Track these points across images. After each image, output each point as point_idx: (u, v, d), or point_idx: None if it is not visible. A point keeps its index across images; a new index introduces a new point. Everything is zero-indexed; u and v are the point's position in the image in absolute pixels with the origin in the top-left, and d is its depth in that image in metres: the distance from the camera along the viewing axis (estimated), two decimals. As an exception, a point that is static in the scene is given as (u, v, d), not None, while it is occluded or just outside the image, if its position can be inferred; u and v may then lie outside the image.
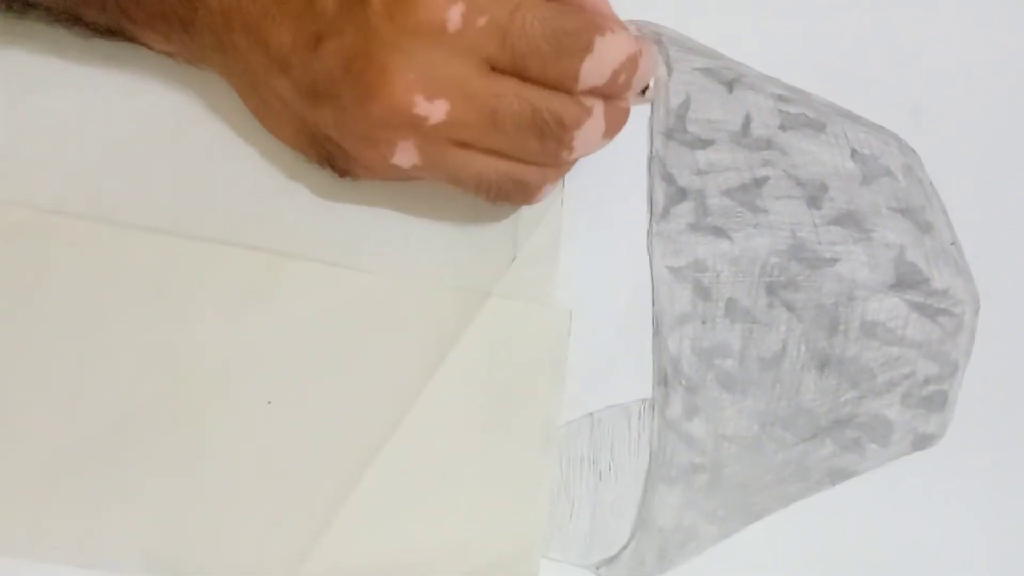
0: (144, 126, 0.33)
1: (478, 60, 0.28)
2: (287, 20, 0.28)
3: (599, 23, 0.30)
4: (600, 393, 0.34)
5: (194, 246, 0.32)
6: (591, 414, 0.34)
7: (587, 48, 0.29)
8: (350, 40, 0.28)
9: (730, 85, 0.38)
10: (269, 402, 0.32)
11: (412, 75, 0.28)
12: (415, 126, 0.29)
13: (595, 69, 0.30)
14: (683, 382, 0.35)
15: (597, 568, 0.32)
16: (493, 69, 0.29)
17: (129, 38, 0.31)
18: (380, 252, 0.34)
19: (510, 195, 0.32)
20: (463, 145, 0.30)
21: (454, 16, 0.27)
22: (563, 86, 0.30)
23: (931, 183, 0.38)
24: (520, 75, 0.29)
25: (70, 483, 0.30)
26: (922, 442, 0.36)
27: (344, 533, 0.31)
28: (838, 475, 0.35)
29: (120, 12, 0.30)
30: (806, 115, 0.38)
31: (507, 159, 0.31)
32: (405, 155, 0.30)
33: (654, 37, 0.38)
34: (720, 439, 0.34)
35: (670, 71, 0.38)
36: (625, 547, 0.33)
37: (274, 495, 0.31)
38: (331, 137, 0.30)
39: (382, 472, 0.32)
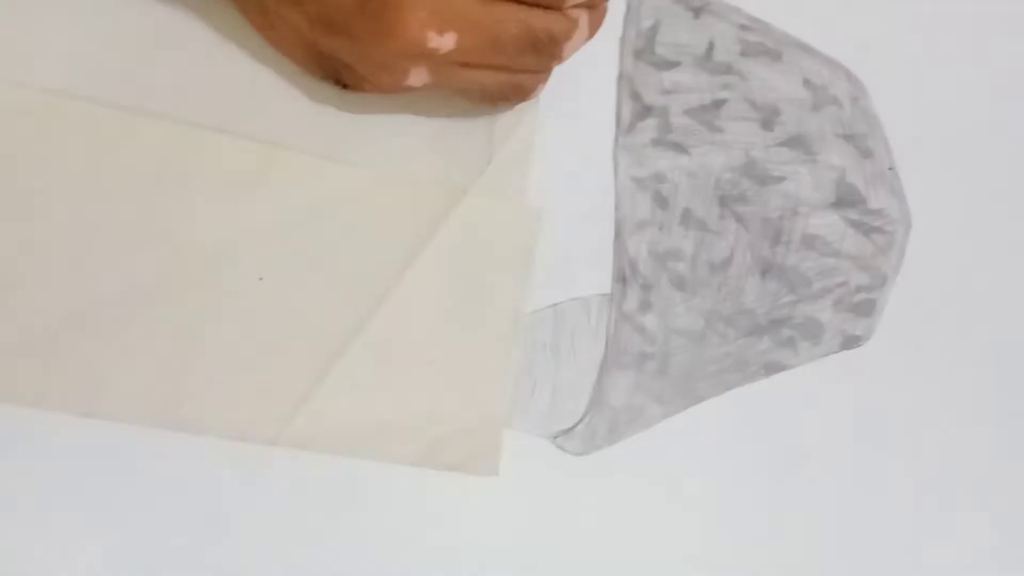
0: (148, 14, 0.36)
1: None
2: None
3: None
4: (564, 287, 0.38)
5: (192, 132, 0.35)
6: (555, 305, 0.37)
7: None
8: None
9: (697, 12, 0.41)
10: (261, 278, 0.35)
11: (424, 13, 0.31)
12: (428, 55, 0.32)
13: None
14: (639, 280, 0.38)
15: (555, 438, 0.36)
16: None
17: None
18: (366, 148, 0.37)
19: (509, 98, 0.36)
20: (469, 65, 0.33)
21: None
22: (554, 5, 0.33)
23: (875, 113, 0.42)
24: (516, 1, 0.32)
25: (75, 341, 0.33)
26: (849, 342, 0.40)
27: (326, 399, 0.35)
28: (772, 368, 0.39)
29: None
30: (765, 44, 0.41)
31: (507, 71, 0.34)
32: (417, 77, 0.33)
33: (629, -37, 0.41)
34: (670, 332, 0.38)
35: (642, -3, 0.41)
36: (580, 421, 0.37)
37: (265, 362, 0.35)
38: (344, 61, 0.33)
39: (362, 347, 0.35)
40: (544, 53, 0.35)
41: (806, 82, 0.41)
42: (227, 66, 0.36)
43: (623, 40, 0.40)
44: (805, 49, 0.42)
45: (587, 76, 0.39)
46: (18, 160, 0.34)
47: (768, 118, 0.41)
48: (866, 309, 0.40)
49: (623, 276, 0.38)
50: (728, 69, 0.41)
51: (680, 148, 0.40)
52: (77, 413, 0.33)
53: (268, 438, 0.34)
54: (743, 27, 0.42)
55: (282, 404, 0.35)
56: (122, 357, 0.34)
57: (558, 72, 0.37)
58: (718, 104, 0.41)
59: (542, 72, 0.36)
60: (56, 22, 0.35)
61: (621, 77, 0.40)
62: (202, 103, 0.36)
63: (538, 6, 0.33)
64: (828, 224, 0.40)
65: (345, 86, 0.35)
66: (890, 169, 0.42)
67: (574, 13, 0.35)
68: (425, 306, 0.36)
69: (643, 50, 0.41)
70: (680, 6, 0.41)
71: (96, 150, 0.34)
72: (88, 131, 0.34)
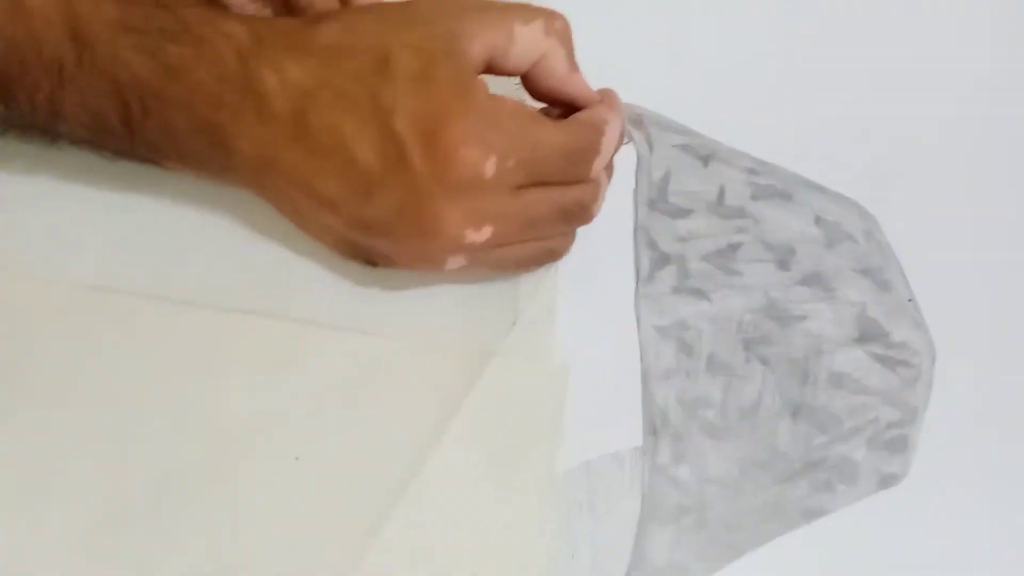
0: (179, 204, 0.37)
1: (511, 187, 0.32)
2: (332, 173, 0.32)
3: (600, 126, 0.35)
4: (595, 442, 0.37)
5: (224, 317, 0.36)
6: (588, 462, 0.37)
7: (596, 151, 0.34)
8: (399, 194, 0.31)
9: (705, 160, 0.42)
10: (296, 458, 0.35)
11: (460, 215, 0.32)
12: (465, 248, 0.33)
13: (602, 160, 0.35)
14: (670, 431, 0.38)
15: (596, 604, 0.36)
16: (521, 187, 0.33)
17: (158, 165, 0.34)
18: (394, 319, 0.37)
19: (541, 263, 0.37)
20: (504, 245, 0.34)
21: (489, 166, 0.31)
22: (580, 180, 0.35)
23: (889, 245, 0.42)
24: (545, 184, 0.33)
25: (116, 538, 0.33)
26: (886, 481, 0.39)
27: (383, 552, 0.34)
28: (812, 514, 0.38)
29: (149, 149, 0.33)
30: (775, 186, 0.42)
31: (539, 240, 0.36)
32: (455, 263, 0.34)
33: (635, 118, 0.42)
34: (704, 482, 0.38)
35: (651, 148, 0.42)
36: (622, 583, 0.36)
37: (303, 543, 0.34)
38: (381, 253, 0.34)
39: (398, 522, 0.35)
40: (575, 220, 0.36)
41: (818, 220, 0.42)
42: (256, 248, 0.37)
43: (636, 192, 0.41)
44: (814, 187, 0.43)
45: (604, 230, 0.40)
46: (56, 354, 0.35)
47: (784, 258, 0.41)
48: (899, 445, 0.40)
49: (653, 427, 0.38)
50: (741, 213, 0.42)
51: (700, 294, 0.40)
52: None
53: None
54: (751, 171, 0.42)
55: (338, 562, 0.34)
56: (163, 546, 0.33)
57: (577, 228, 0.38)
58: (734, 248, 0.41)
59: (572, 234, 0.37)
60: (91, 218, 0.36)
61: (637, 228, 0.41)
62: (232, 287, 0.36)
63: (566, 183, 0.34)
64: (853, 360, 0.40)
65: (375, 264, 0.35)
66: (910, 300, 0.42)
67: (596, 171, 0.36)
68: (458, 474, 0.36)
69: (656, 200, 0.41)
70: (689, 155, 0.42)
71: (132, 341, 0.35)
72: (124, 322, 0.35)
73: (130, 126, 0.32)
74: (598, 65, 0.42)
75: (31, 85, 0.31)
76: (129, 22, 0.31)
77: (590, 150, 0.34)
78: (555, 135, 0.33)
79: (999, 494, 0.40)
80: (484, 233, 0.33)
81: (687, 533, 0.37)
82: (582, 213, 0.36)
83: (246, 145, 0.32)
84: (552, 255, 0.37)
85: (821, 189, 0.43)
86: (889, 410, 0.40)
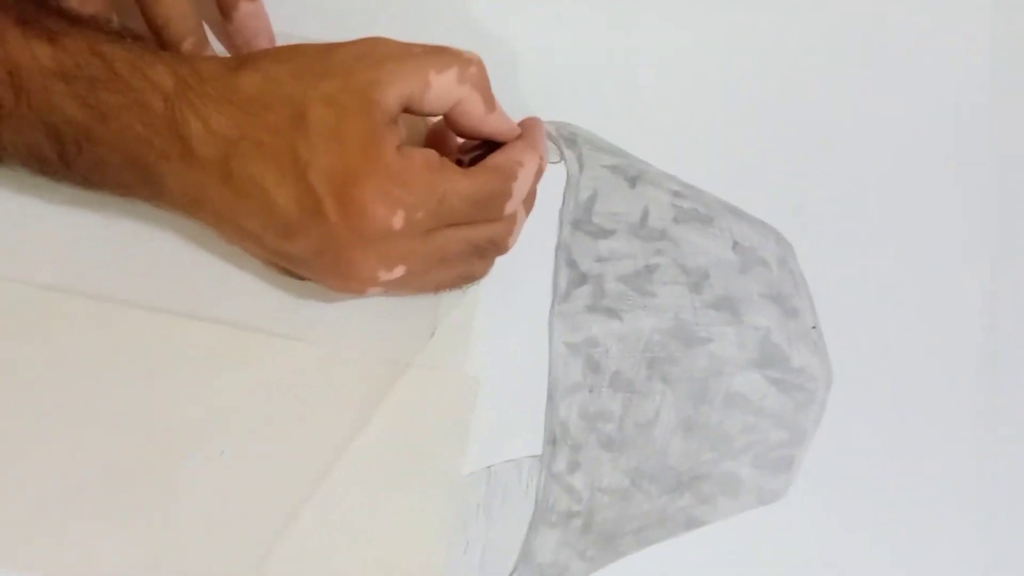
0: (126, 215, 0.40)
1: (421, 233, 0.35)
2: (254, 213, 0.34)
3: (512, 171, 0.36)
4: (498, 449, 0.41)
5: (161, 318, 0.39)
6: (489, 467, 0.41)
7: (507, 195, 0.36)
8: (316, 240, 0.34)
9: (633, 181, 0.44)
10: (222, 452, 0.39)
11: (373, 259, 0.34)
12: (380, 284, 0.36)
13: (515, 203, 0.37)
14: (569, 442, 0.42)
15: (483, 595, 0.40)
16: (432, 230, 0.35)
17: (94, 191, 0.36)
18: (319, 326, 0.40)
19: (460, 286, 0.40)
20: (420, 275, 0.37)
21: (397, 220, 0.34)
22: (493, 217, 0.37)
23: (801, 273, 0.45)
24: (457, 225, 0.36)
25: (65, 513, 0.38)
26: (766, 497, 0.43)
27: (279, 565, 0.39)
28: (693, 523, 0.42)
29: (84, 179, 0.35)
30: (697, 210, 0.44)
31: (455, 270, 0.38)
32: (373, 293, 0.37)
33: (570, 137, 0.44)
34: (596, 490, 0.42)
35: (581, 168, 0.44)
36: (508, 578, 0.40)
37: (225, 531, 0.39)
38: (306, 276, 0.37)
39: (313, 513, 0.39)
40: (488, 255, 0.38)
41: (736, 245, 0.44)
42: (193, 255, 0.40)
43: (562, 211, 0.43)
44: (736, 213, 0.45)
45: (527, 247, 0.42)
46: (15, 348, 0.38)
47: (697, 281, 0.44)
48: (784, 465, 0.43)
49: (554, 438, 0.42)
50: (661, 235, 0.44)
51: (612, 313, 0.43)
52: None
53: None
54: (677, 194, 0.44)
55: (239, 570, 0.39)
56: (104, 530, 0.38)
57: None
58: (651, 269, 0.44)
59: (490, 261, 0.40)
60: (40, 223, 0.39)
61: (559, 246, 0.43)
62: (170, 290, 0.39)
63: (477, 222, 0.37)
64: (750, 383, 0.43)
65: (302, 279, 0.38)
66: (814, 328, 0.44)
67: (510, 211, 0.38)
68: (369, 473, 0.40)
69: (581, 220, 0.44)
70: (618, 176, 0.44)
71: (78, 338, 0.38)
72: (69, 322, 0.38)
73: (66, 161, 0.34)
74: (545, 82, 0.44)
75: None
76: (63, 69, 0.33)
77: (500, 195, 0.36)
78: (464, 185, 0.35)
79: (884, 515, 0.43)
80: (397, 272, 0.35)
81: (573, 535, 0.41)
82: (495, 249, 0.38)
83: (174, 183, 0.34)
84: (471, 279, 0.40)
85: (742, 215, 0.44)
86: (779, 431, 0.43)
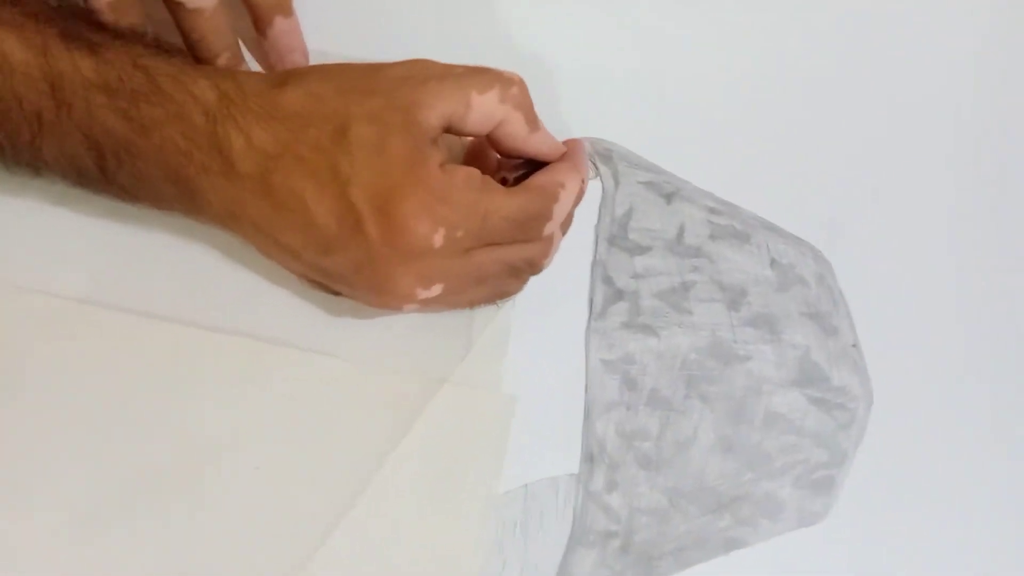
0: (158, 227, 0.40)
1: (460, 252, 0.34)
2: (293, 228, 0.34)
3: (554, 192, 0.36)
4: (535, 467, 0.40)
5: (196, 333, 0.39)
6: (526, 485, 0.40)
7: (548, 217, 0.36)
8: (355, 255, 0.33)
9: (669, 198, 0.44)
10: (257, 468, 0.38)
11: (412, 277, 0.34)
12: (417, 301, 0.35)
13: (555, 224, 0.37)
14: (606, 460, 0.41)
15: (521, 616, 0.39)
16: (471, 249, 0.35)
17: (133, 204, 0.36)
18: (353, 342, 0.40)
19: (495, 302, 0.40)
20: (456, 293, 0.36)
21: (438, 238, 0.33)
22: (532, 238, 0.37)
23: (840, 291, 0.44)
24: (495, 244, 0.36)
25: (93, 528, 0.37)
26: (807, 519, 0.42)
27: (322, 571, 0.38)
28: (732, 544, 0.41)
29: (123, 192, 0.35)
30: (734, 226, 0.44)
31: (492, 288, 0.38)
32: (409, 310, 0.36)
33: (605, 153, 0.44)
34: (634, 510, 0.41)
35: (617, 184, 0.44)
36: (545, 599, 0.40)
37: (258, 546, 0.38)
38: (342, 293, 0.37)
39: (345, 531, 0.38)
40: (524, 275, 0.38)
41: (773, 262, 0.44)
42: (228, 270, 0.40)
43: (598, 227, 0.43)
44: (773, 230, 0.44)
45: (563, 263, 0.42)
46: (39, 362, 0.38)
47: (735, 299, 0.43)
48: (825, 486, 0.42)
49: (591, 456, 0.41)
50: (697, 252, 0.43)
51: (649, 330, 0.42)
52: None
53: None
54: (712, 210, 0.44)
55: None
56: (134, 543, 0.37)
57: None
58: (687, 286, 0.43)
59: (525, 279, 0.39)
60: (76, 236, 0.39)
61: (595, 263, 0.43)
62: (205, 305, 0.39)
63: (516, 242, 0.36)
64: (790, 402, 0.43)
65: (338, 294, 0.38)
66: (854, 346, 0.44)
67: (548, 232, 0.38)
68: (404, 490, 0.39)
69: (616, 236, 0.43)
70: (653, 192, 0.44)
71: (111, 350, 0.38)
72: (104, 335, 0.38)
73: (105, 173, 0.34)
74: (584, 99, 0.44)
75: (13, 131, 0.33)
76: (105, 82, 0.33)
77: (541, 217, 0.36)
78: (505, 205, 0.35)
79: (926, 540, 0.42)
80: (435, 290, 0.35)
81: (611, 556, 0.40)
82: (531, 269, 0.38)
83: (214, 197, 0.34)
84: (505, 295, 0.40)
85: (779, 232, 0.44)
86: (819, 451, 0.42)
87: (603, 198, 0.43)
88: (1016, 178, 0.45)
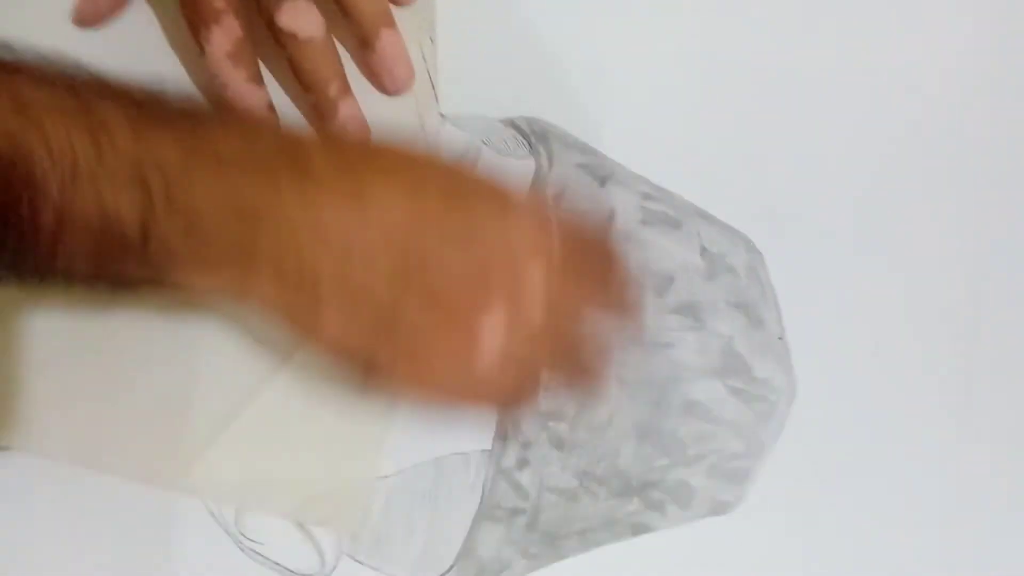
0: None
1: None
2: (375, 223, 0.31)
3: None
4: (448, 442, 0.41)
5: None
6: (437, 458, 0.41)
7: None
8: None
9: (603, 180, 0.44)
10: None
11: None
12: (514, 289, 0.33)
13: None
14: (520, 438, 0.42)
15: (422, 585, 0.41)
16: None
17: (160, 283, 0.31)
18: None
19: None
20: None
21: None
22: None
23: (771, 283, 0.44)
24: None
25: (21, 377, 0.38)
26: (719, 509, 0.42)
27: (221, 454, 0.39)
28: (640, 529, 0.42)
29: (162, 254, 0.30)
30: (666, 213, 0.44)
31: None
32: (488, 324, 0.33)
33: (541, 132, 0.44)
34: (543, 489, 0.41)
35: (551, 164, 0.44)
36: (448, 570, 0.40)
37: (172, 418, 0.39)
38: (405, 321, 0.33)
39: (256, 412, 0.39)
40: None
41: (703, 251, 0.44)
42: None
43: (527, 207, 0.43)
44: (706, 218, 0.44)
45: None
46: None
47: (662, 285, 0.43)
48: (739, 477, 0.42)
49: (504, 434, 0.42)
50: (627, 237, 0.43)
51: (573, 312, 0.43)
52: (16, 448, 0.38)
53: (167, 483, 0.39)
54: (646, 196, 0.44)
55: (182, 456, 0.39)
56: (60, 401, 0.38)
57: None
58: (615, 271, 0.43)
59: None
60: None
61: (522, 243, 0.43)
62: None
63: None
64: (710, 391, 0.43)
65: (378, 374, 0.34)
66: (779, 339, 0.43)
67: None
68: (314, 379, 0.39)
69: (546, 217, 0.43)
70: (587, 175, 0.44)
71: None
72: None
73: (145, 227, 0.29)
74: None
75: (30, 202, 0.28)
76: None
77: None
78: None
79: (836, 538, 0.43)
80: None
81: (517, 532, 0.41)
82: None
83: (289, 214, 0.31)
84: None
85: (712, 220, 0.44)
86: (736, 442, 0.43)
87: (536, 177, 0.43)
88: (959, 170, 0.45)
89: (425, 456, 0.41)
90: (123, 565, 0.39)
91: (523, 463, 0.41)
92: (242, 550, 0.39)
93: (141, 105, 0.30)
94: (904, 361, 0.43)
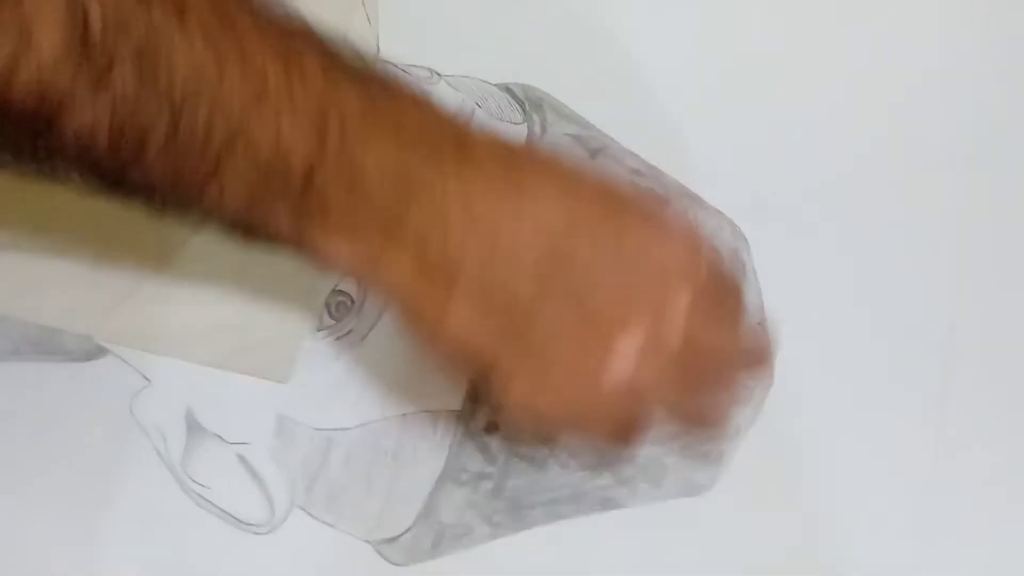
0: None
1: None
2: (528, 220, 0.31)
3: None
4: (416, 400, 0.40)
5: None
6: (404, 415, 0.40)
7: None
8: None
9: (593, 153, 0.43)
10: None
11: None
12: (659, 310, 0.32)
13: None
14: (491, 402, 0.40)
15: (379, 545, 0.38)
16: None
17: (300, 244, 0.30)
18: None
19: None
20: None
21: None
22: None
23: (753, 268, 0.43)
24: None
25: None
26: (691, 490, 0.41)
27: (143, 301, 0.39)
28: (608, 504, 0.40)
29: (317, 209, 0.29)
30: (654, 190, 0.43)
31: None
32: (626, 340, 0.32)
33: (536, 101, 0.44)
34: (512, 454, 0.40)
35: (543, 133, 0.43)
36: (407, 531, 0.38)
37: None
38: (538, 326, 0.31)
39: (182, 260, 0.39)
40: None
41: (690, 231, 0.43)
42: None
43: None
44: (693, 199, 0.44)
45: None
46: None
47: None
48: (713, 459, 0.41)
49: (475, 395, 0.40)
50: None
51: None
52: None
53: (86, 329, 0.38)
54: (636, 172, 0.44)
55: (103, 302, 0.38)
56: None
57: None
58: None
59: None
60: None
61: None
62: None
63: None
64: (688, 371, 0.42)
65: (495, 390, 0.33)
66: (759, 324, 0.43)
67: None
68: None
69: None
70: (579, 146, 0.44)
71: None
72: None
73: (310, 172, 0.28)
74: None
75: (212, 109, 0.27)
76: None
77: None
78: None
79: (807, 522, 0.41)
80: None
81: (481, 498, 0.39)
82: None
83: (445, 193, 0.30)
84: None
85: (699, 201, 0.44)
86: (711, 424, 0.42)
87: (527, 143, 0.43)
88: (942, 164, 0.45)
89: (391, 412, 0.39)
90: (66, 510, 0.37)
91: (493, 427, 0.40)
92: (187, 494, 0.37)
93: (333, 55, 0.29)
94: (886, 354, 0.43)
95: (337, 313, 0.40)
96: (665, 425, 0.35)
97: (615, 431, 0.34)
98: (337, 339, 0.40)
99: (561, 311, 0.31)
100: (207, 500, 0.37)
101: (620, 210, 0.33)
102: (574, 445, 0.39)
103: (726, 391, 0.36)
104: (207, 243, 0.38)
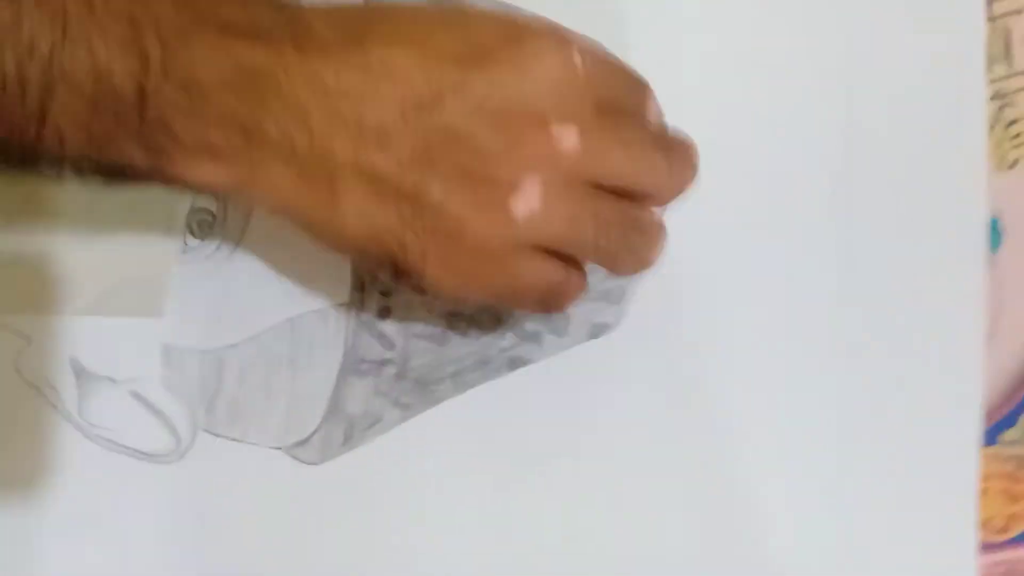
0: None
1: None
2: (388, 97, 0.29)
3: None
4: (301, 301, 0.38)
5: None
6: (291, 319, 0.39)
7: None
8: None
9: None
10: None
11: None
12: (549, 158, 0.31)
13: None
14: (379, 288, 0.39)
15: (290, 449, 0.39)
16: None
17: (158, 170, 0.29)
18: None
19: None
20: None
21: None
22: None
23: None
24: None
25: None
26: (597, 331, 0.40)
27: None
28: (516, 363, 0.40)
29: (165, 135, 0.28)
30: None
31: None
32: (525, 200, 0.31)
33: None
34: (409, 336, 0.39)
35: None
36: (316, 431, 0.39)
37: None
38: (432, 205, 0.30)
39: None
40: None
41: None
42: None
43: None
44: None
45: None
46: None
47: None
48: (616, 296, 0.40)
49: (362, 284, 0.39)
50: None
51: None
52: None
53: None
54: None
55: None
56: None
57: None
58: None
59: None
60: None
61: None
62: None
63: None
64: (577, 212, 0.40)
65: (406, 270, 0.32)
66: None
67: None
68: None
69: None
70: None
71: None
72: None
73: (142, 92, 0.27)
74: None
75: (19, 57, 0.26)
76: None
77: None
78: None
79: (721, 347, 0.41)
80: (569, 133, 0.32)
81: (386, 383, 0.39)
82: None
83: (296, 89, 0.29)
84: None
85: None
86: (609, 262, 0.40)
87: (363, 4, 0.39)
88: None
89: (277, 319, 0.38)
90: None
91: (385, 312, 0.39)
92: (89, 438, 0.37)
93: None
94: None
95: (200, 232, 0.38)
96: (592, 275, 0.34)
97: (542, 298, 0.34)
98: (207, 258, 0.38)
99: (451, 186, 0.30)
100: (110, 440, 0.37)
101: (478, 57, 0.30)
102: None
103: (649, 214, 0.34)
104: (53, 192, 0.36)
